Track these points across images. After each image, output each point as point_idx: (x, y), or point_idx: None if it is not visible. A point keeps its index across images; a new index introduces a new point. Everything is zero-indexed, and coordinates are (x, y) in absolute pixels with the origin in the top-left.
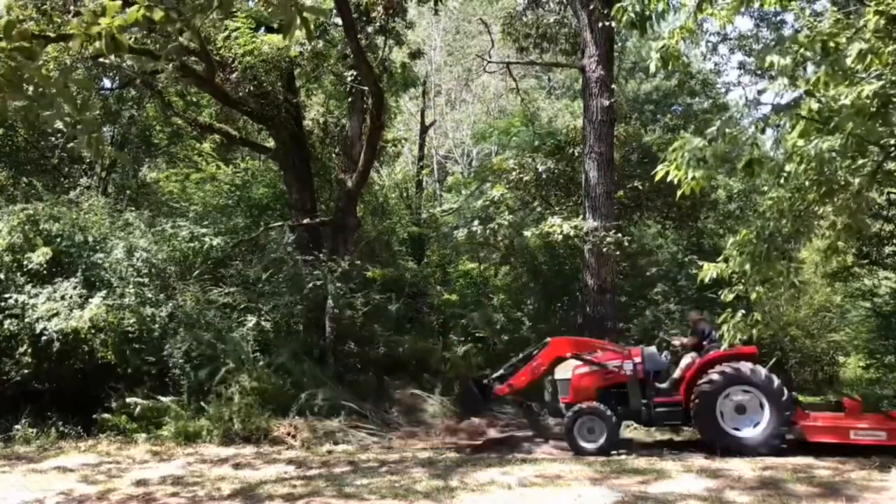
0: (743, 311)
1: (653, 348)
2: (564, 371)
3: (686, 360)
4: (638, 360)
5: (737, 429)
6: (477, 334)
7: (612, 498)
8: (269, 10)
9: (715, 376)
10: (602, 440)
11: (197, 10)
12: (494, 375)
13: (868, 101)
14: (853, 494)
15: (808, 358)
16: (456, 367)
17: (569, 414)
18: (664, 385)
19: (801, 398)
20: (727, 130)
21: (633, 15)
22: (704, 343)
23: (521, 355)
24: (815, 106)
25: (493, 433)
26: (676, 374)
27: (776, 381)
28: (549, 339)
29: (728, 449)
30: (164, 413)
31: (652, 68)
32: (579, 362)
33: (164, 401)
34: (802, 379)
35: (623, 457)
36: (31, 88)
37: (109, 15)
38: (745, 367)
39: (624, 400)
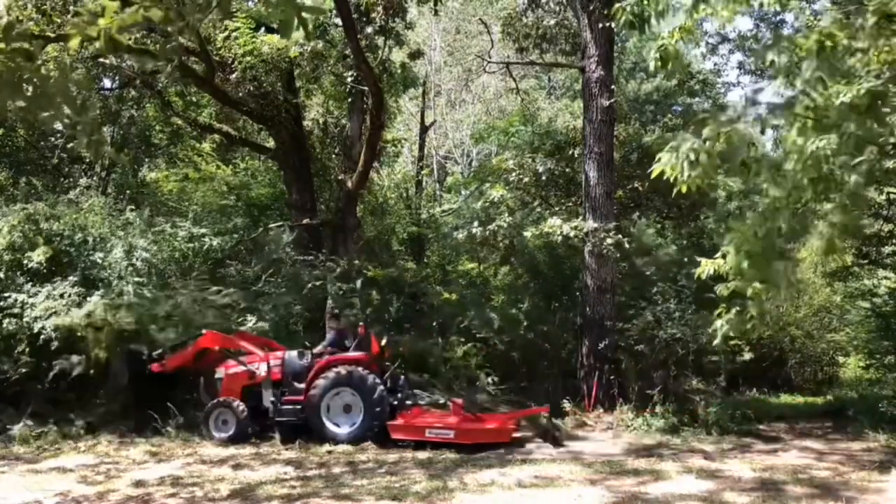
0: (738, 308)
1: (294, 352)
2: (220, 371)
3: (317, 364)
4: (275, 362)
5: (336, 424)
6: (477, 334)
7: (610, 499)
8: (268, 10)
9: (321, 381)
10: (232, 430)
11: (196, 10)
12: (155, 353)
13: (864, 100)
14: (852, 496)
15: (808, 358)
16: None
17: (207, 406)
18: (301, 385)
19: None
20: (723, 130)
21: (631, 16)
22: (330, 348)
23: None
24: (811, 104)
25: None
26: (311, 375)
27: (371, 384)
28: (204, 330)
29: (327, 440)
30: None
31: (651, 68)
32: (232, 362)
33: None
34: (803, 378)
35: (621, 458)
36: (30, 89)
37: (108, 15)
38: (351, 370)
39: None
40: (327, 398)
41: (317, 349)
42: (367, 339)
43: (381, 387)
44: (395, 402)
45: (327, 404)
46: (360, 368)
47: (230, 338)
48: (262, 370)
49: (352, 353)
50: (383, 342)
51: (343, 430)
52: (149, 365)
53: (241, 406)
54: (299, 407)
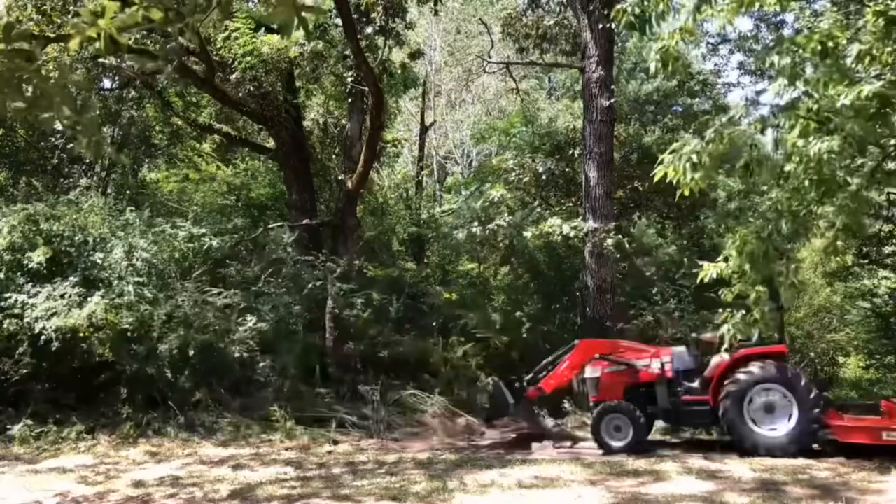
0: (743, 311)
1: (682, 347)
2: (593, 370)
3: (716, 359)
4: (667, 358)
5: (768, 428)
6: (477, 335)
7: (610, 499)
8: (268, 10)
9: (742, 375)
10: (629, 438)
11: (197, 11)
12: (525, 378)
13: (868, 102)
14: (852, 497)
15: (808, 358)
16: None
17: (595, 411)
18: (694, 384)
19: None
20: (725, 132)
21: (632, 17)
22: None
23: (549, 358)
24: (813, 106)
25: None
26: (707, 372)
27: (804, 380)
28: (577, 341)
29: (755, 449)
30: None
31: (652, 69)
32: (607, 361)
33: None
34: None
35: (621, 458)
36: (30, 89)
37: (108, 16)
38: (773, 365)
39: (653, 399)
40: (747, 398)
41: (705, 336)
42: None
43: (810, 381)
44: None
45: (748, 405)
46: (777, 362)
47: (610, 342)
48: (653, 367)
49: (768, 346)
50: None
51: (773, 434)
52: (524, 392)
53: (636, 410)
54: (706, 408)
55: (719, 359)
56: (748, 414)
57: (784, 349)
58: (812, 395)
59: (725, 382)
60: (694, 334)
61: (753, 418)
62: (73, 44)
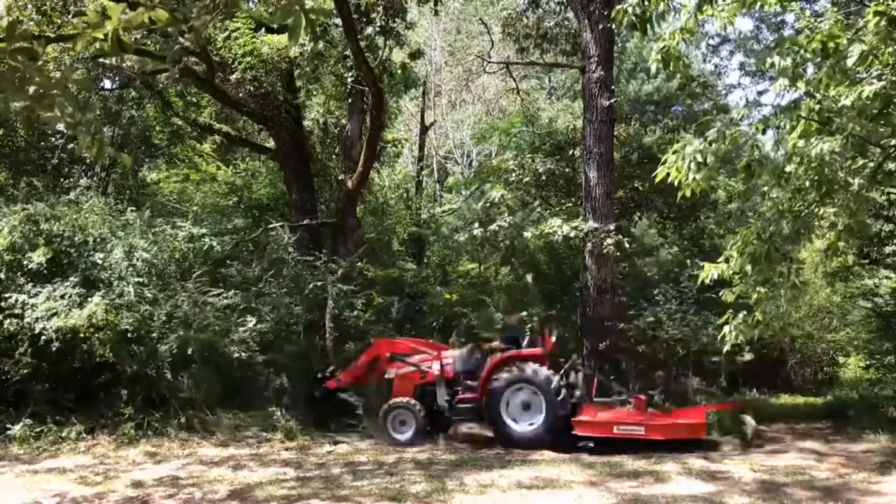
0: (744, 312)
1: (465, 350)
2: (391, 372)
3: (489, 361)
4: (447, 360)
5: (516, 422)
6: (478, 334)
7: (611, 500)
8: (273, 12)
9: (503, 375)
10: (412, 432)
11: (201, 12)
12: (328, 371)
13: (869, 103)
14: (852, 498)
15: (808, 358)
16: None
17: (383, 409)
18: (473, 383)
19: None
20: (727, 132)
21: (633, 17)
22: (503, 346)
23: (353, 355)
24: (815, 106)
25: None
26: (483, 373)
27: (553, 381)
28: (372, 339)
29: (509, 442)
30: None
31: (652, 69)
32: (401, 363)
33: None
34: (803, 379)
35: (620, 459)
36: (31, 89)
37: (114, 17)
38: (530, 367)
39: (434, 396)
40: (506, 396)
41: (488, 346)
42: (542, 335)
43: (560, 382)
44: (574, 400)
45: (506, 402)
46: (536, 365)
47: (401, 342)
48: (434, 369)
49: (526, 350)
50: (554, 338)
51: (523, 428)
52: (323, 383)
53: (419, 406)
54: (474, 406)
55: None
56: (506, 410)
57: (539, 352)
58: (559, 396)
59: (490, 381)
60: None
61: (511, 415)
62: (79, 45)
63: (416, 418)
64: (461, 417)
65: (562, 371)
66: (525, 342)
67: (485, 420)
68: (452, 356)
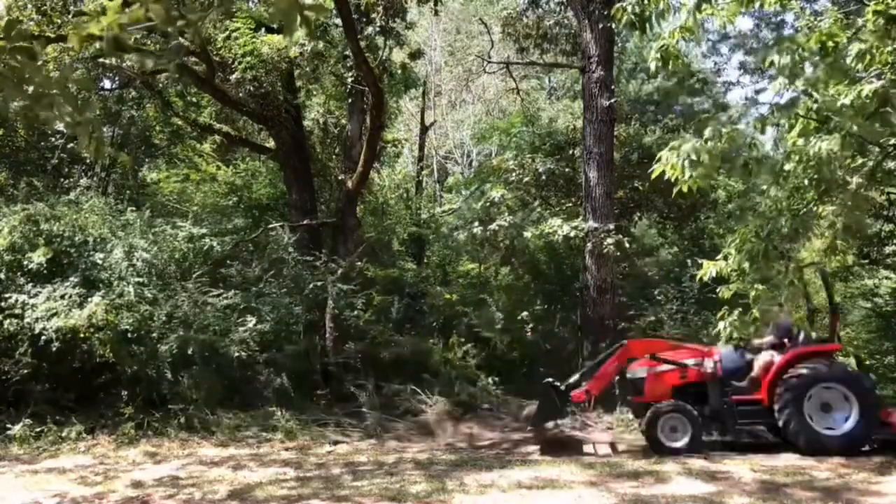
0: (740, 309)
1: (729, 347)
2: (638, 370)
3: (765, 357)
4: (717, 357)
5: (826, 427)
6: (478, 334)
7: (611, 500)
8: (269, 10)
9: (802, 372)
10: (687, 439)
11: (198, 10)
12: (570, 381)
13: (867, 101)
14: (853, 498)
15: None
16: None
17: (649, 412)
18: (742, 384)
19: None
20: (724, 130)
21: (632, 15)
22: (785, 341)
23: (596, 360)
24: (813, 105)
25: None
26: (755, 372)
27: (863, 378)
28: (624, 341)
29: (814, 448)
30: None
31: (652, 68)
32: (654, 361)
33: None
34: None
35: (620, 459)
36: (30, 88)
37: (111, 14)
38: (831, 363)
39: (702, 399)
40: (806, 396)
41: (756, 342)
42: (833, 328)
43: (869, 378)
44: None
45: (806, 403)
46: (839, 361)
47: (656, 341)
48: (706, 366)
49: (822, 345)
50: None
51: (833, 432)
52: (568, 395)
53: (695, 411)
54: (759, 407)
55: (769, 357)
56: (807, 412)
57: (838, 347)
58: (871, 395)
59: (784, 379)
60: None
61: (812, 417)
62: (75, 42)
63: (693, 423)
64: (746, 421)
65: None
66: (801, 338)
67: (774, 424)
68: (720, 354)
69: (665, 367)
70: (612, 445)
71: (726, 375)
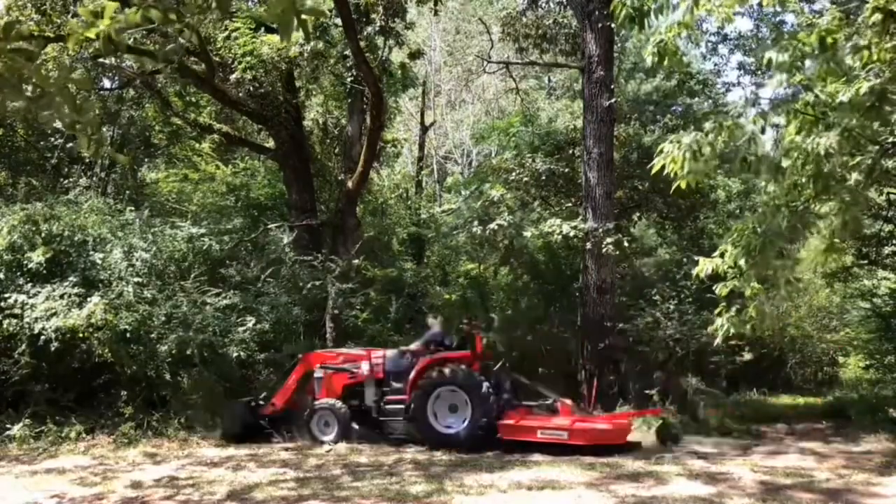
0: (738, 307)
1: (395, 351)
2: (319, 372)
3: (419, 363)
4: (376, 361)
5: (446, 426)
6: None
7: (610, 501)
8: (266, 10)
9: (425, 379)
10: (335, 433)
11: (196, 11)
12: (261, 398)
13: (865, 98)
14: (853, 499)
15: (808, 358)
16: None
17: (307, 410)
18: (400, 385)
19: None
20: (725, 124)
21: (631, 9)
22: (431, 346)
23: (285, 374)
24: (811, 99)
25: None
26: (412, 375)
27: (477, 381)
28: (300, 355)
29: (434, 443)
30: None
31: (648, 62)
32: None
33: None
34: (803, 379)
35: (620, 460)
36: (29, 88)
37: (107, 16)
38: (456, 368)
39: (363, 397)
40: (433, 397)
41: (413, 346)
42: (472, 337)
43: (488, 384)
44: (502, 402)
45: (433, 403)
46: (464, 367)
47: (330, 353)
48: (363, 369)
49: (454, 352)
50: (485, 341)
51: (450, 430)
52: (259, 410)
53: (343, 407)
54: (402, 406)
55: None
56: (433, 412)
57: (467, 354)
58: (488, 398)
59: (417, 383)
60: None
61: (438, 416)
62: (71, 43)
63: (339, 417)
64: (388, 417)
65: (490, 374)
66: (454, 344)
67: (412, 420)
68: (382, 357)
69: (336, 369)
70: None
71: (390, 376)
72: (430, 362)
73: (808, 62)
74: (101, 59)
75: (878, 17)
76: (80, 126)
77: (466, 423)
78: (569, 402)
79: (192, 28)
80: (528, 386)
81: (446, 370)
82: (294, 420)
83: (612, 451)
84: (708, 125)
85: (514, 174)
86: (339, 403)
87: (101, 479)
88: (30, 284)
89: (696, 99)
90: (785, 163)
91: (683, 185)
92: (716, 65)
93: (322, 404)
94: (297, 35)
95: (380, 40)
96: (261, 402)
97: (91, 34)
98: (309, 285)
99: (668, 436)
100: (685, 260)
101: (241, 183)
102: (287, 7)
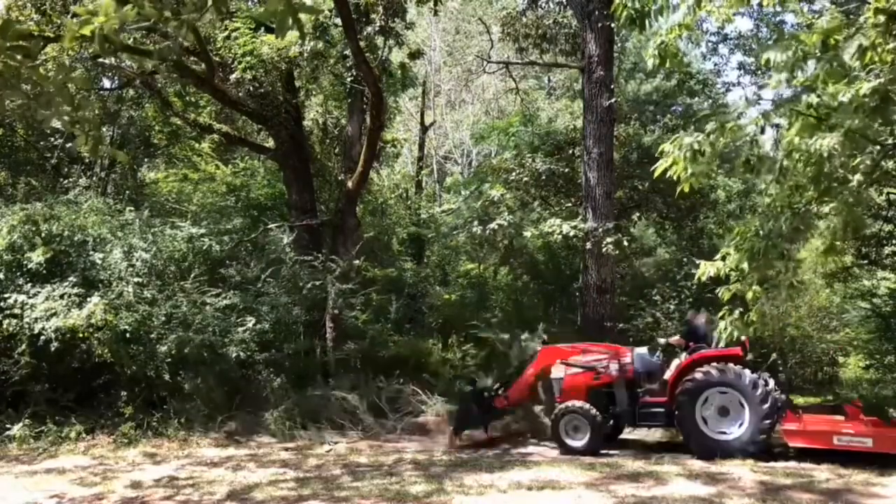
0: (740, 310)
1: (644, 349)
2: (558, 371)
3: (676, 360)
4: (626, 360)
5: (719, 431)
6: (477, 335)
7: (610, 501)
8: (263, 9)
9: (697, 376)
10: (587, 438)
11: (192, 9)
12: (494, 388)
13: (867, 99)
14: (853, 500)
15: (808, 358)
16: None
17: (555, 412)
18: (654, 385)
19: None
20: (727, 124)
21: (632, 10)
22: (691, 343)
23: (517, 366)
24: (814, 100)
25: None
26: (667, 374)
27: (758, 383)
28: (539, 348)
29: (708, 451)
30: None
31: (649, 65)
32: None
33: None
34: (803, 379)
35: (620, 459)
36: (28, 87)
37: (103, 14)
38: (728, 368)
39: (614, 400)
40: (700, 400)
41: (672, 340)
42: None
43: (766, 385)
44: (781, 404)
45: (701, 407)
46: (735, 366)
47: (570, 347)
48: (612, 369)
49: (722, 349)
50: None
51: (725, 437)
52: (493, 402)
53: (595, 411)
54: (663, 409)
55: (679, 360)
56: (701, 415)
57: (738, 351)
58: (765, 400)
59: (681, 383)
60: (658, 336)
61: (707, 420)
62: (67, 41)
63: (592, 423)
64: (646, 423)
65: (760, 372)
66: (714, 341)
67: (674, 425)
68: (631, 355)
69: (580, 368)
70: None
71: (641, 376)
72: (693, 360)
73: (810, 63)
74: (100, 59)
75: (881, 18)
76: (79, 124)
77: (745, 427)
78: (859, 402)
79: (189, 25)
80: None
81: (713, 369)
82: (526, 417)
83: None
84: (710, 125)
85: (513, 174)
86: (588, 406)
87: (100, 479)
88: (30, 284)
89: (696, 99)
90: (786, 163)
91: (686, 189)
92: (716, 65)
93: (573, 407)
94: (294, 34)
95: (380, 40)
96: (498, 393)
97: (86, 31)
98: (309, 285)
99: None
100: (685, 260)
101: (240, 183)
102: (284, 5)
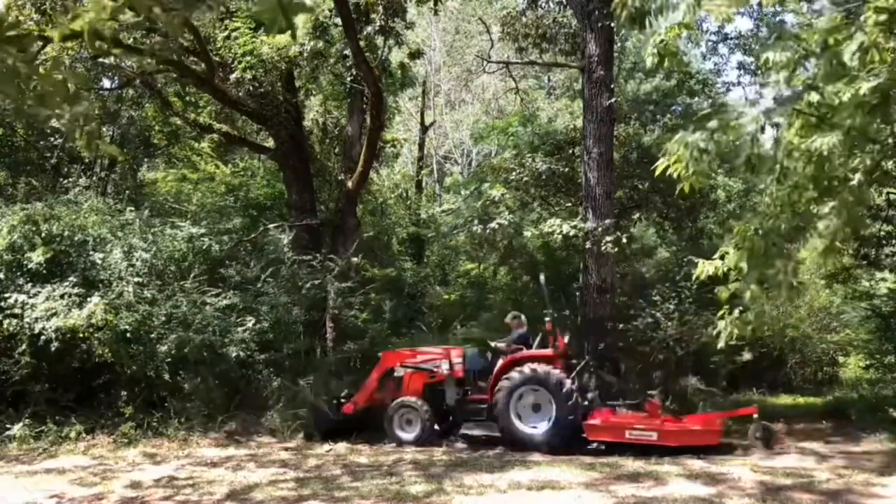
0: (739, 309)
1: (475, 350)
2: (400, 372)
3: (500, 361)
4: (457, 360)
5: (532, 426)
6: (476, 334)
7: (610, 502)
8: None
9: (513, 375)
10: (418, 430)
11: (186, 6)
12: (342, 395)
13: (867, 98)
14: (853, 500)
15: (808, 359)
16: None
17: (389, 408)
18: (483, 384)
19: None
20: (731, 122)
21: (632, 9)
22: (513, 346)
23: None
24: (814, 99)
25: None
26: (493, 374)
27: (563, 382)
28: (380, 353)
29: (516, 443)
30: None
31: (648, 63)
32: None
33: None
34: (802, 379)
35: (620, 460)
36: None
37: (93, 9)
38: (539, 368)
39: (444, 396)
40: (515, 396)
41: (498, 344)
42: (553, 336)
43: (571, 384)
44: (587, 402)
45: (515, 403)
46: (547, 365)
47: (409, 351)
48: (443, 368)
49: (537, 350)
50: (566, 339)
51: (534, 431)
52: (340, 409)
53: (426, 406)
54: (485, 406)
55: (502, 361)
56: (515, 411)
57: (551, 353)
58: (570, 398)
59: (500, 382)
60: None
61: (521, 416)
62: (57, 36)
63: (422, 416)
64: (471, 417)
65: (573, 373)
66: (536, 343)
67: (495, 420)
68: (463, 357)
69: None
70: None
71: (471, 375)
72: (511, 361)
73: (811, 61)
74: (100, 59)
75: (883, 16)
76: (73, 119)
77: (550, 423)
78: (657, 401)
79: (186, 23)
80: (615, 385)
81: (526, 369)
82: (375, 419)
83: (707, 453)
84: (712, 123)
85: (513, 174)
86: (420, 402)
87: (100, 479)
88: (30, 284)
89: (696, 99)
90: (786, 163)
91: (687, 189)
92: (716, 64)
93: (405, 402)
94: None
95: (379, 40)
96: (342, 401)
97: (76, 27)
98: (308, 285)
99: (766, 436)
100: (685, 260)
101: (240, 183)
102: (273, 4)
